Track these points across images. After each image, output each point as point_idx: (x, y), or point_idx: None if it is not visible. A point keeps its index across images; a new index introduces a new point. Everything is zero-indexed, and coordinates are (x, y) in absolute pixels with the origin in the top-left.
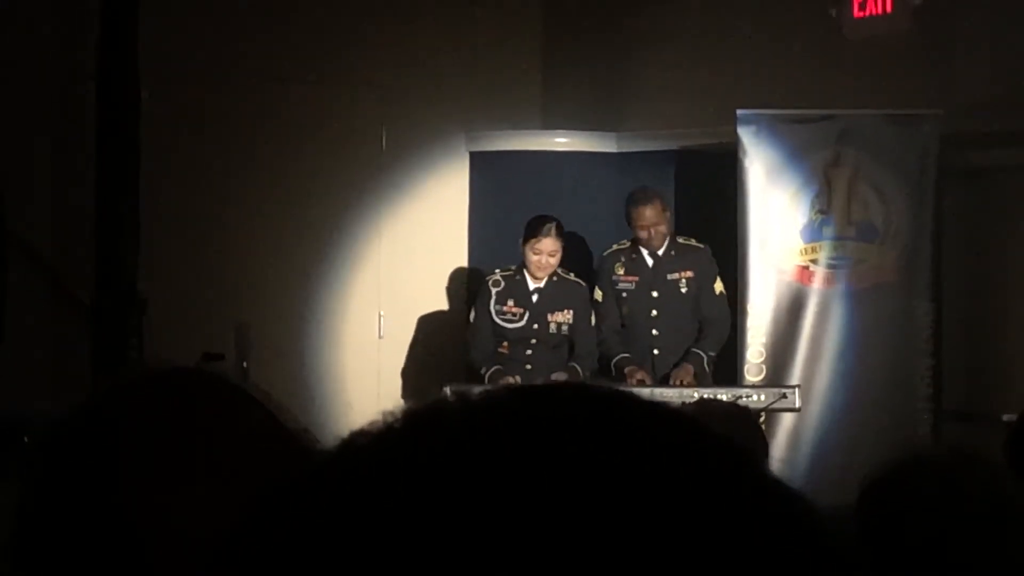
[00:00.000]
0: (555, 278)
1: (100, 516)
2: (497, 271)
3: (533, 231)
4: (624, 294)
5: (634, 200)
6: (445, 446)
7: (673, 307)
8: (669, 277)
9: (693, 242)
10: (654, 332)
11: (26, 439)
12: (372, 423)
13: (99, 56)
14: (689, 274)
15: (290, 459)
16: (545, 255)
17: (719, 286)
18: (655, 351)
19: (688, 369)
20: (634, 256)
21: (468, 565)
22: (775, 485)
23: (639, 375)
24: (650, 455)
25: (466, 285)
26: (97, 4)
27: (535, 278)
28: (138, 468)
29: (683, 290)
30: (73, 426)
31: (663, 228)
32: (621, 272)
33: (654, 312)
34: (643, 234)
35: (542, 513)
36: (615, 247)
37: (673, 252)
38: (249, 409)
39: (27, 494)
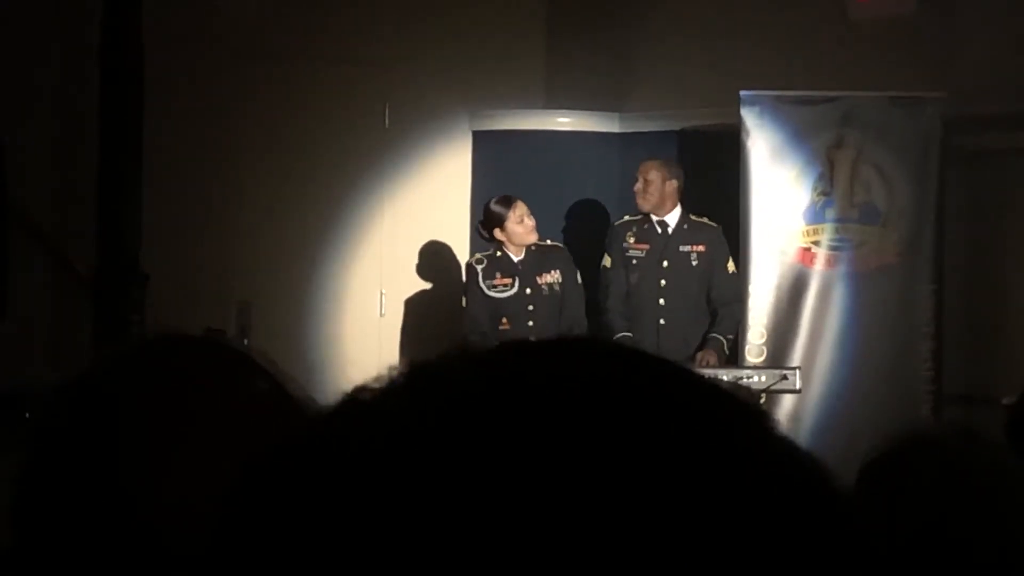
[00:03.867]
0: (534, 248)
1: (101, 483)
2: (477, 253)
3: (505, 207)
4: (634, 261)
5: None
6: (447, 403)
7: (683, 279)
8: (681, 249)
9: (706, 220)
10: (661, 302)
11: (27, 413)
12: (376, 378)
13: (102, 30)
14: (701, 248)
15: (295, 424)
16: (526, 217)
17: (731, 266)
18: (661, 321)
19: (712, 353)
20: (646, 226)
21: (471, 527)
22: (788, 444)
23: None
24: (663, 410)
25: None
26: None
27: (517, 250)
28: (138, 434)
29: (694, 263)
30: (74, 394)
31: (653, 189)
32: (632, 240)
33: (663, 282)
34: (637, 186)
35: (549, 476)
36: (627, 218)
37: (686, 226)
38: (253, 375)
39: (28, 463)
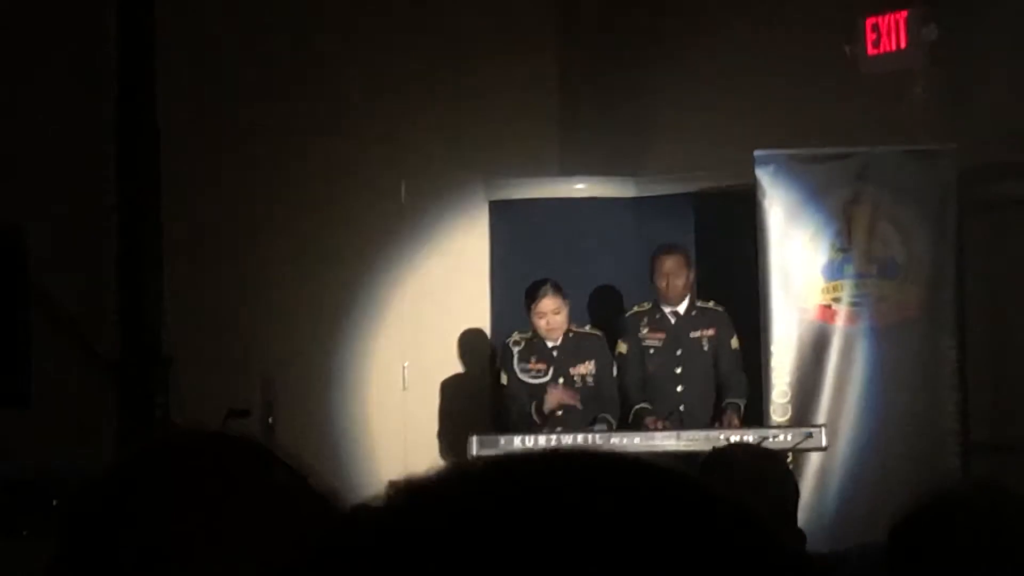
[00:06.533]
0: (571, 334)
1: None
2: (515, 333)
3: (531, 296)
4: (651, 351)
5: (657, 249)
6: (442, 530)
7: (697, 363)
8: (692, 335)
9: (712, 304)
10: (679, 388)
11: (55, 501)
12: (373, 497)
13: (118, 111)
14: (711, 332)
15: (316, 522)
16: (549, 315)
17: (735, 342)
18: (681, 407)
19: (732, 415)
20: (658, 316)
21: None
22: (778, 546)
23: (660, 424)
24: (652, 530)
25: (490, 333)
26: (114, 66)
27: (551, 339)
28: (163, 529)
29: (705, 348)
30: (101, 492)
31: (680, 281)
32: (646, 330)
33: (679, 369)
34: (661, 283)
35: None
36: (636, 309)
37: (694, 312)
38: (273, 469)
39: (59, 551)
